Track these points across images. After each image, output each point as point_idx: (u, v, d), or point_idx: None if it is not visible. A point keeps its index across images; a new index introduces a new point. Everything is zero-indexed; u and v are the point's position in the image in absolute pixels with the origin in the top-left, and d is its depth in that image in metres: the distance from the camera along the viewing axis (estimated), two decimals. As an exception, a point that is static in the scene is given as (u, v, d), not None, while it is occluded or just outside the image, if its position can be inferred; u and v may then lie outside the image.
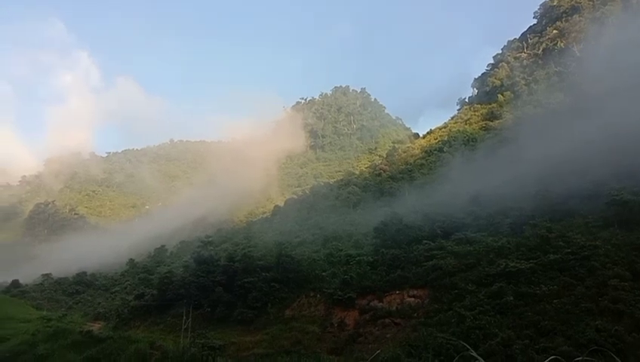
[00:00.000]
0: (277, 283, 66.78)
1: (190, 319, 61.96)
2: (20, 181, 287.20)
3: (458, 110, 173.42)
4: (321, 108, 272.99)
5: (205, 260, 78.23)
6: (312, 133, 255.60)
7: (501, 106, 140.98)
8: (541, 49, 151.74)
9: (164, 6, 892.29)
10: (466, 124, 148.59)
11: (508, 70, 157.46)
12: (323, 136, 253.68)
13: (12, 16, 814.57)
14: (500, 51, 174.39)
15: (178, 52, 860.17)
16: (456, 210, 76.60)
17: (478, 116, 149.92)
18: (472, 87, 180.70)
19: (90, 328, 63.06)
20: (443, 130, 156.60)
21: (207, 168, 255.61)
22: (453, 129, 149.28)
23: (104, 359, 48.42)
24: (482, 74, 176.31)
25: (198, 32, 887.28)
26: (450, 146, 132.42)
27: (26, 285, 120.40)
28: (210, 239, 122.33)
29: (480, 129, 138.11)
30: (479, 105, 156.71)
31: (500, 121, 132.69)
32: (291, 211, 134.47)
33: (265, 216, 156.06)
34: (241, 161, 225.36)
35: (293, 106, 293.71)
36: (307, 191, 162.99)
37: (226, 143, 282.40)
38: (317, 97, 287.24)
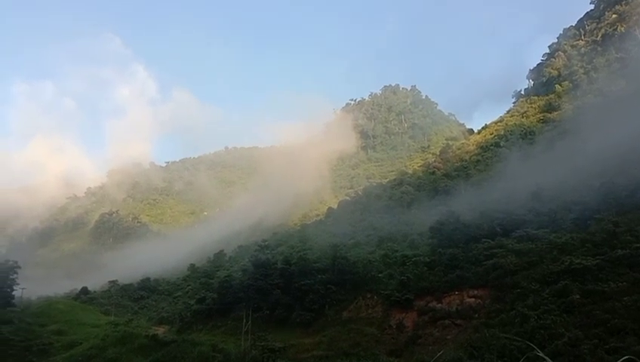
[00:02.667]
0: (333, 286, 66.98)
1: (250, 322, 63.13)
2: (85, 192, 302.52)
3: (514, 103, 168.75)
4: (371, 109, 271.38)
5: (262, 264, 79.50)
6: (363, 134, 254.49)
7: (559, 97, 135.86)
8: (600, 35, 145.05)
9: (213, 16, 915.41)
10: (522, 117, 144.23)
11: (565, 59, 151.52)
12: (374, 137, 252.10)
13: (72, 34, 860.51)
14: (556, 40, 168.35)
15: (229, 60, 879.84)
16: (516, 206, 74.24)
17: (535, 108, 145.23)
18: (528, 78, 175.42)
19: (155, 332, 65.54)
20: (499, 124, 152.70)
21: (261, 173, 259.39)
22: (510, 123, 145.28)
23: (170, 362, 50.12)
24: (538, 64, 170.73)
25: (247, 40, 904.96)
26: (507, 141, 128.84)
27: (95, 292, 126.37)
28: (266, 243, 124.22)
29: (538, 122, 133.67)
30: (536, 97, 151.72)
31: (559, 112, 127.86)
32: (345, 213, 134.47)
33: (318, 218, 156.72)
34: (294, 164, 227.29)
35: (343, 108, 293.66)
36: (360, 193, 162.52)
37: (279, 148, 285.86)
38: (366, 98, 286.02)
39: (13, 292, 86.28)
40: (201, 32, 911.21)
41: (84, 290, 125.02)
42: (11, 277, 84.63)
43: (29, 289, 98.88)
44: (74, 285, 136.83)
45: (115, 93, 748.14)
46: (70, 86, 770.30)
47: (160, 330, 72.11)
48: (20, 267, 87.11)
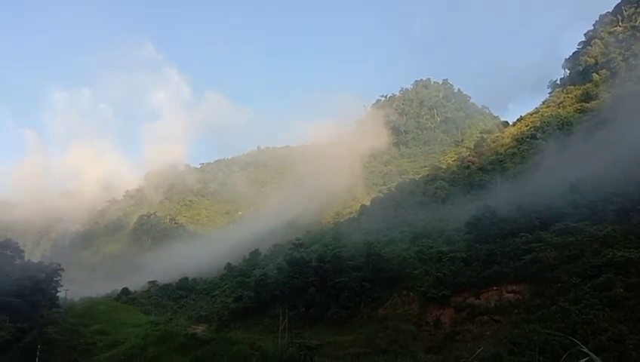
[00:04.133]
0: (368, 283, 66.80)
1: (286, 319, 63.59)
2: (124, 195, 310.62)
3: (549, 93, 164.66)
4: (403, 104, 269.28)
5: (297, 262, 79.90)
6: (395, 130, 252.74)
7: (597, 86, 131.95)
8: (639, 20, 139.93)
9: (242, 16, 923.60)
10: (559, 108, 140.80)
11: (602, 47, 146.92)
12: (406, 132, 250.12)
13: (106, 42, 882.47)
14: (592, 27, 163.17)
15: (260, 61, 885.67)
16: (554, 199, 72.40)
17: (571, 98, 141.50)
18: (563, 67, 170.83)
19: (195, 331, 66.73)
20: (534, 115, 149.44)
21: (293, 172, 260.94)
22: (546, 114, 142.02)
23: (208, 360, 50.97)
24: (573, 53, 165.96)
25: (277, 39, 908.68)
26: (544, 132, 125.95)
27: (135, 292, 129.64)
28: (300, 241, 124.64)
29: (575, 112, 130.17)
30: (572, 87, 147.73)
31: (597, 101, 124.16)
32: (378, 210, 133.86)
33: (352, 216, 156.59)
34: (326, 163, 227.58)
35: (373, 104, 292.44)
36: (393, 189, 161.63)
37: (310, 147, 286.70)
38: (397, 93, 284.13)
39: (58, 294, 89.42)
40: (231, 34, 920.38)
41: (125, 291, 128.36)
42: (55, 279, 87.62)
43: (72, 290, 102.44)
44: (115, 286, 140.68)
45: (149, 98, 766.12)
46: (107, 92, 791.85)
47: (199, 329, 73.33)
48: (63, 269, 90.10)
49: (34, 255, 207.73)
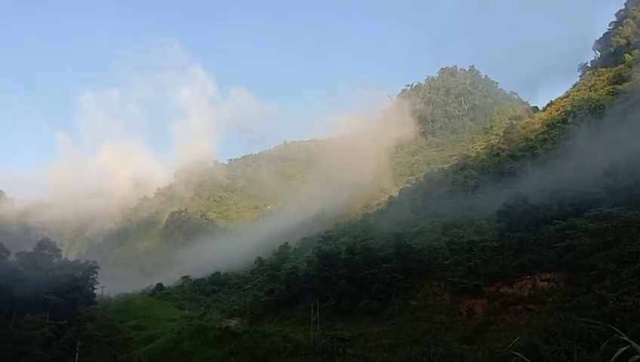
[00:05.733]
0: (399, 274, 66.56)
1: (317, 312, 63.98)
2: (155, 193, 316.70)
3: (580, 77, 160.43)
4: (429, 93, 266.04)
5: (327, 254, 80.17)
6: (421, 119, 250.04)
7: (629, 67, 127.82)
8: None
9: (264, 10, 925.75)
10: (590, 91, 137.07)
11: (634, 26, 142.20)
12: (433, 121, 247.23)
13: (132, 42, 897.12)
14: (624, 6, 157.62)
15: (284, 55, 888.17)
16: (588, 184, 70.65)
17: (603, 81, 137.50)
18: (594, 49, 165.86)
19: (228, 324, 67.80)
20: (565, 100, 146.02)
21: (320, 165, 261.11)
22: (577, 97, 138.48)
23: (243, 353, 51.67)
24: (604, 34, 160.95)
25: (301, 33, 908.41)
26: (575, 117, 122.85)
27: (169, 287, 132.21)
28: (329, 234, 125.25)
29: (607, 94, 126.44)
30: (604, 69, 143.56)
31: (630, 83, 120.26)
32: (406, 200, 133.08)
33: (380, 207, 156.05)
34: (352, 155, 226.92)
35: (399, 94, 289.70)
36: (421, 179, 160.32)
37: (336, 139, 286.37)
38: (423, 82, 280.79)
39: (94, 291, 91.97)
40: (254, 29, 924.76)
41: (159, 286, 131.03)
42: (92, 276, 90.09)
43: (108, 287, 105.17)
44: (149, 282, 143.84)
45: (176, 96, 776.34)
46: (135, 92, 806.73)
47: (232, 322, 74.47)
48: (99, 267, 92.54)
49: (70, 253, 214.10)
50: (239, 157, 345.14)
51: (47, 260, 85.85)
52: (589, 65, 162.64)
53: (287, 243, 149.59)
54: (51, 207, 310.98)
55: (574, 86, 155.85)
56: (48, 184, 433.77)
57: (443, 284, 61.32)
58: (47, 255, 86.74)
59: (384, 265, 69.00)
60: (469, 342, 47.78)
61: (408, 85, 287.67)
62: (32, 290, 69.63)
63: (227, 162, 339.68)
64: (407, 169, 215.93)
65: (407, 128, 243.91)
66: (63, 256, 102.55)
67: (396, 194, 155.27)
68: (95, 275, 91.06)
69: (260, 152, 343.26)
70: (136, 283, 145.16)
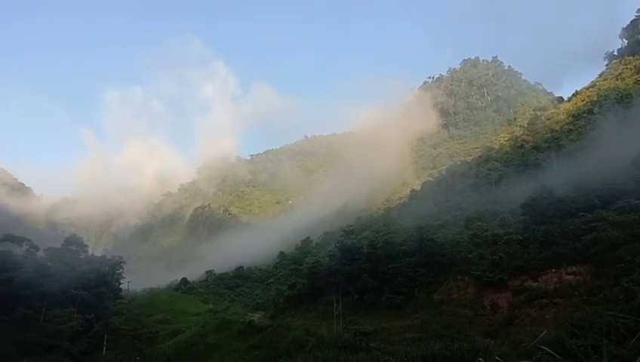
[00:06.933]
0: (422, 268, 66.26)
1: (340, 306, 64.08)
2: (179, 189, 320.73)
3: (606, 65, 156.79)
4: (451, 85, 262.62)
5: (349, 249, 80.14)
6: (443, 112, 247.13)
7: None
8: None
9: (284, 6, 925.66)
10: (617, 80, 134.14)
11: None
12: (455, 113, 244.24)
13: (155, 40, 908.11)
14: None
15: (305, 50, 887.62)
16: (615, 176, 69.15)
17: (630, 69, 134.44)
18: (621, 37, 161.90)
19: (251, 318, 68.34)
20: (591, 89, 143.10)
21: (341, 159, 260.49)
22: (603, 87, 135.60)
23: (266, 346, 52.01)
24: (632, 21, 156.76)
25: (321, 27, 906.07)
26: (601, 107, 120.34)
27: (193, 282, 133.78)
28: (351, 228, 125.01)
29: (635, 83, 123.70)
30: (631, 57, 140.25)
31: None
32: (429, 194, 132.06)
33: (402, 201, 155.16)
34: (374, 148, 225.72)
35: (420, 86, 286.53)
36: (443, 172, 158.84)
37: (358, 133, 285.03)
38: (445, 74, 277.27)
39: (121, 286, 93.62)
40: (274, 24, 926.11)
41: (184, 281, 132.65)
42: (118, 271, 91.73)
43: (133, 282, 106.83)
44: (174, 276, 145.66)
45: (199, 92, 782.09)
46: (158, 89, 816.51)
47: (255, 316, 75.01)
48: (124, 262, 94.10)
49: (97, 249, 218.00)
50: (261, 152, 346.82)
51: (75, 256, 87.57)
52: (615, 53, 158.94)
53: (309, 237, 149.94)
54: (78, 203, 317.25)
55: (600, 75, 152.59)
56: (75, 181, 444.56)
57: (467, 278, 60.89)
58: (74, 250, 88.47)
59: (407, 259, 68.74)
60: (494, 337, 47.36)
61: (430, 77, 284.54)
62: (61, 285, 71.16)
63: (249, 157, 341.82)
64: (430, 162, 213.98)
65: (429, 121, 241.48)
66: (90, 251, 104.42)
67: (418, 187, 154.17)
68: (121, 270, 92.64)
69: (282, 147, 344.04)
70: (161, 278, 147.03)
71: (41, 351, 58.11)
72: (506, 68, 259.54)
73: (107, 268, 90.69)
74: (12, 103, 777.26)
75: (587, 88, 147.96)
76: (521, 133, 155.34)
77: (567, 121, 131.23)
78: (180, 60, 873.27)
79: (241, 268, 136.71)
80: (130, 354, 59.70)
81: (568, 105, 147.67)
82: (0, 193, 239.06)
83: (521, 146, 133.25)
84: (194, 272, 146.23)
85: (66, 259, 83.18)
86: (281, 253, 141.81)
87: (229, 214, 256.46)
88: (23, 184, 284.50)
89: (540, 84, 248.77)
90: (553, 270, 52.62)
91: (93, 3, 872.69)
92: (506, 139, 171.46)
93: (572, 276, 50.48)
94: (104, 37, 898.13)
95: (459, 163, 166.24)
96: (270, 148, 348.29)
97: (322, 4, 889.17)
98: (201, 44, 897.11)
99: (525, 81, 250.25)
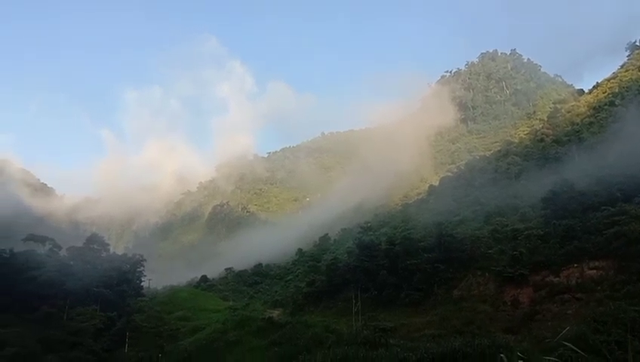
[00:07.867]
0: (441, 264, 65.86)
1: (359, 302, 63.99)
2: (197, 187, 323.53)
3: (628, 57, 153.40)
4: (469, 78, 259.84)
5: (367, 245, 80.00)
6: (461, 106, 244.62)
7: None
8: None
9: (299, 4, 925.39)
10: (639, 71, 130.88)
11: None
12: (473, 108, 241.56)
13: (172, 40, 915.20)
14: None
15: (320, 47, 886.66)
16: (637, 169, 67.78)
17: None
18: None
19: (271, 315, 68.60)
20: (612, 81, 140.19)
21: (358, 156, 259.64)
22: (625, 78, 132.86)
23: (286, 343, 52.15)
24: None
25: (337, 24, 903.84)
26: (623, 98, 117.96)
27: (213, 279, 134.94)
28: (368, 225, 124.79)
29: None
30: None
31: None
32: (447, 189, 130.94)
33: (420, 197, 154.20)
34: (391, 144, 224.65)
35: (438, 81, 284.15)
36: (462, 167, 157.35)
37: (374, 129, 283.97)
38: (463, 68, 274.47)
39: (142, 283, 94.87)
40: (290, 21, 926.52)
41: (204, 278, 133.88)
42: (139, 269, 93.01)
43: (154, 279, 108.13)
44: (194, 274, 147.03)
45: (216, 92, 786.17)
46: (175, 89, 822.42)
47: (275, 313, 75.33)
48: (145, 260, 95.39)
49: (118, 247, 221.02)
50: (278, 149, 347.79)
51: (96, 254, 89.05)
52: (638, 44, 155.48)
53: (327, 234, 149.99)
54: (99, 203, 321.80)
55: (622, 66, 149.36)
56: (95, 181, 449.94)
57: (487, 274, 60.38)
58: (96, 249, 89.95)
59: (425, 255, 68.41)
60: (515, 332, 46.92)
61: (447, 71, 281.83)
62: (83, 283, 72.39)
63: (266, 155, 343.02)
64: (448, 157, 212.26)
65: (447, 115, 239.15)
66: (111, 250, 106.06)
67: (437, 183, 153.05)
68: (142, 268, 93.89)
69: (299, 144, 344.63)
70: (181, 276, 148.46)
71: (65, 348, 59.22)
72: (525, 60, 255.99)
73: (128, 266, 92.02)
74: (32, 105, 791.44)
75: (608, 80, 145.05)
76: (540, 126, 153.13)
77: (588, 113, 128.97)
78: (197, 60, 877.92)
79: (260, 265, 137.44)
80: (152, 351, 60.51)
81: (589, 98, 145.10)
82: (23, 194, 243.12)
83: (541, 140, 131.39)
84: (213, 270, 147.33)
85: (87, 257, 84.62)
86: (299, 250, 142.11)
87: (247, 212, 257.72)
88: (46, 184, 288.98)
89: (559, 76, 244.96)
90: (575, 265, 51.91)
91: (111, 5, 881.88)
92: (525, 132, 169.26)
93: (594, 271, 49.74)
94: (122, 38, 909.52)
95: (478, 158, 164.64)
96: (287, 146, 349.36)
97: (337, 1, 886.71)
98: (217, 44, 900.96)
99: (545, 73, 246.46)
